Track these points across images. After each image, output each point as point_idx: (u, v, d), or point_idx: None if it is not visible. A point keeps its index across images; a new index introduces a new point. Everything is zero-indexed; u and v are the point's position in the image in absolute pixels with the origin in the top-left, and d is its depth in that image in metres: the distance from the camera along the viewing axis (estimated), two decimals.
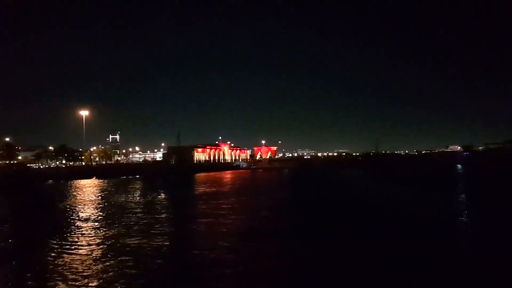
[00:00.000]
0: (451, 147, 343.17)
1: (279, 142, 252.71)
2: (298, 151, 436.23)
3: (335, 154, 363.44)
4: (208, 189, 59.18)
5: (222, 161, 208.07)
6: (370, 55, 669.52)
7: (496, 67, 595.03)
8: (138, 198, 46.80)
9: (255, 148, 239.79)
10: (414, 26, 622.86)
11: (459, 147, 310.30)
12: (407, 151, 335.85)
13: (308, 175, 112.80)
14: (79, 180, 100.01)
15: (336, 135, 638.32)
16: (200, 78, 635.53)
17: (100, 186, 77.20)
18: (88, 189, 66.87)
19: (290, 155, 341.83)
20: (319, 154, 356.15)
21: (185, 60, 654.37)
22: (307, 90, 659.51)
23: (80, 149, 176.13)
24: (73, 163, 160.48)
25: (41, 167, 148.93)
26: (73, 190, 66.31)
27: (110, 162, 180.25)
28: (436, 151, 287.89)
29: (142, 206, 39.16)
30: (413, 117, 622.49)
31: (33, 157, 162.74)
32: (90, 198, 50.52)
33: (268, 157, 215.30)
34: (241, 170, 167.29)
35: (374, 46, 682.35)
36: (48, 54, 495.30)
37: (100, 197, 51.89)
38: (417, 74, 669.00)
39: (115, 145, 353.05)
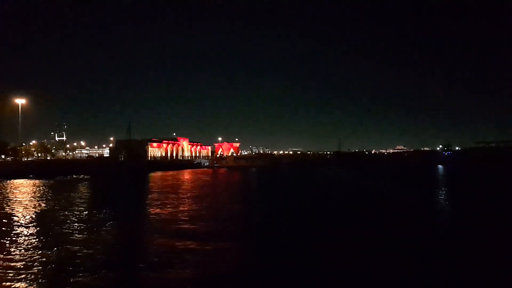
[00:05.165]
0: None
1: (236, 139, 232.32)
2: (253, 149, 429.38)
3: (291, 152, 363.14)
4: (165, 210, 38.21)
5: (181, 158, 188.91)
6: (324, 54, 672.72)
7: (451, 67, 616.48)
8: (71, 227, 29.54)
9: (216, 145, 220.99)
10: (373, 23, 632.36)
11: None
12: (357, 150, 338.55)
13: (288, 177, 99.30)
14: (10, 181, 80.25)
15: (289, 134, 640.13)
16: (152, 71, 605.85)
17: (30, 191, 58.70)
18: (11, 198, 48.33)
19: (246, 153, 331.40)
20: (275, 152, 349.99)
21: (139, 51, 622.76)
22: (261, 89, 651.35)
23: (24, 144, 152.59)
24: (5, 158, 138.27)
25: None
26: None
27: (49, 158, 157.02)
28: (411, 150, 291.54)
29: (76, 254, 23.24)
30: (361, 117, 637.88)
31: None
32: (8, 220, 33.32)
33: (230, 154, 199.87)
34: (203, 169, 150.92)
35: (329, 43, 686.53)
36: None
37: (22, 219, 34.78)
38: (364, 73, 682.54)
39: (60, 140, 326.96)
